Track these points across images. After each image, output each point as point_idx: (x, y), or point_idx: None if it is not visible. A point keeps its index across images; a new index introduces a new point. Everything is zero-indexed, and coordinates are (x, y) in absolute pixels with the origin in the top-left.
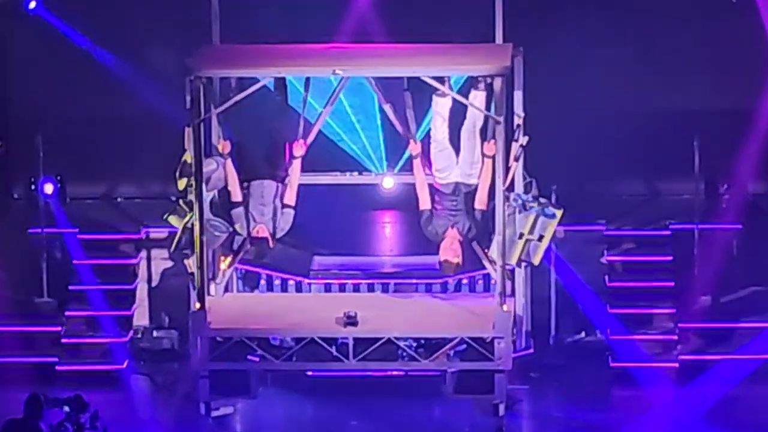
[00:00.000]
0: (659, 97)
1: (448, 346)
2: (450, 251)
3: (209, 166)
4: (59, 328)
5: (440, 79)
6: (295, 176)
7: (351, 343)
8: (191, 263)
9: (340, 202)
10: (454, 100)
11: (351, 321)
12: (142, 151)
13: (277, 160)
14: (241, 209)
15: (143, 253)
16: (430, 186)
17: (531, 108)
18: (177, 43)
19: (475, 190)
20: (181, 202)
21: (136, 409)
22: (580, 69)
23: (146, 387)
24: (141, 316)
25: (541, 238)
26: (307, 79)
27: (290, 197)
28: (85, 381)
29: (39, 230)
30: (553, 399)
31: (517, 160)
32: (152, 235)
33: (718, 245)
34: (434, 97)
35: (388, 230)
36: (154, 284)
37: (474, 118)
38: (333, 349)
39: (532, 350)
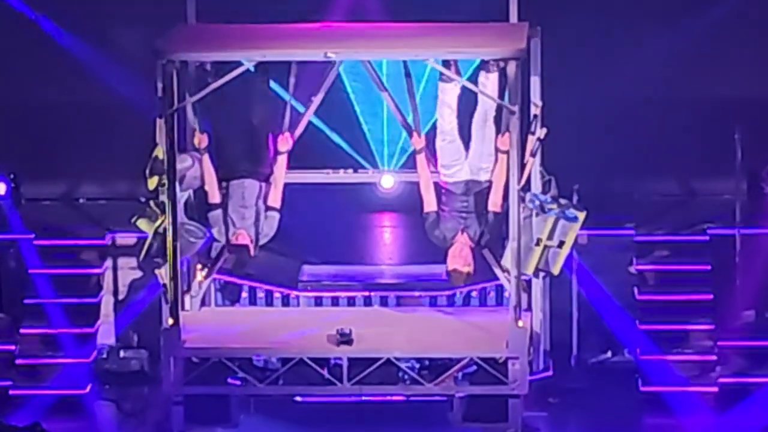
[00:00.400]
0: (695, 84)
1: (455, 368)
2: (460, 259)
3: (183, 162)
4: (13, 348)
5: (446, 63)
6: (281, 174)
7: (345, 364)
8: (163, 273)
9: (332, 204)
10: (463, 87)
11: (345, 339)
12: (107, 146)
13: (259, 155)
14: (219, 212)
15: (108, 262)
16: (437, 185)
17: (550, 96)
18: (147, 21)
19: (487, 189)
20: (151, 203)
21: None
22: (605, 52)
23: (112, 414)
24: (106, 334)
25: (561, 244)
26: (294, 63)
27: (275, 198)
28: (43, 407)
29: None
30: (574, 428)
31: (533, 155)
32: (119, 242)
33: (762, 252)
34: (440, 83)
35: (387, 235)
36: (120, 297)
37: (486, 105)
38: (325, 371)
39: (550, 372)
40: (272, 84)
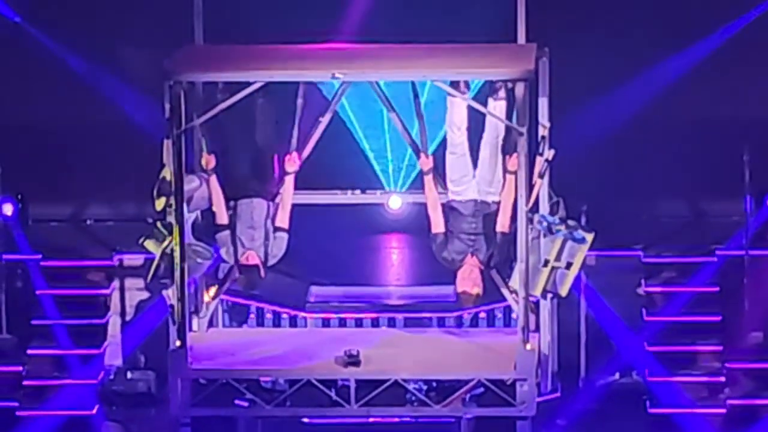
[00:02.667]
0: (703, 105)
1: (463, 390)
2: (469, 281)
3: (191, 183)
4: (20, 369)
5: (454, 84)
6: (289, 195)
7: (353, 385)
8: (171, 294)
9: (340, 225)
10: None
11: (353, 360)
12: (114, 167)
13: (267, 176)
14: (227, 233)
15: (116, 283)
16: (444, 206)
17: (558, 117)
18: (154, 41)
19: (496, 210)
20: (159, 224)
21: None
22: (613, 73)
23: None
24: (113, 355)
25: (569, 265)
26: (303, 83)
27: (283, 219)
28: (51, 429)
29: None
30: None
31: (542, 176)
32: (126, 263)
33: None
34: (449, 97)
35: (395, 257)
36: (128, 318)
37: (496, 131)
38: (332, 393)
39: (558, 394)
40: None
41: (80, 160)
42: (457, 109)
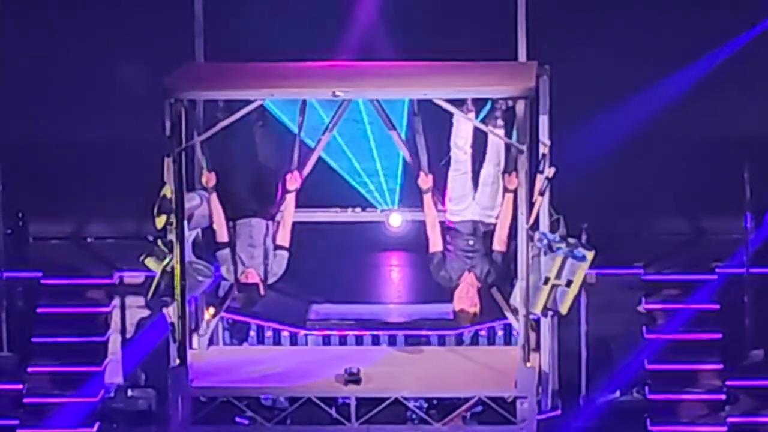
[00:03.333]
0: (703, 122)
1: (463, 407)
2: (466, 300)
3: (192, 201)
4: (21, 386)
5: (455, 102)
6: (289, 213)
7: (353, 403)
8: (171, 312)
9: (340, 243)
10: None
11: (353, 378)
12: (115, 185)
13: (266, 194)
14: (227, 251)
15: (116, 301)
16: (443, 224)
17: (558, 135)
18: (155, 59)
19: (493, 229)
20: (159, 242)
21: None
22: (613, 91)
23: None
24: (113, 373)
25: (569, 283)
26: (303, 101)
27: (283, 237)
28: None
29: None
30: None
31: (542, 194)
32: (126, 280)
33: None
34: (454, 116)
35: (395, 274)
36: (128, 336)
37: (497, 158)
38: (333, 411)
39: (559, 411)
40: (280, 121)
41: (81, 177)
42: (463, 127)
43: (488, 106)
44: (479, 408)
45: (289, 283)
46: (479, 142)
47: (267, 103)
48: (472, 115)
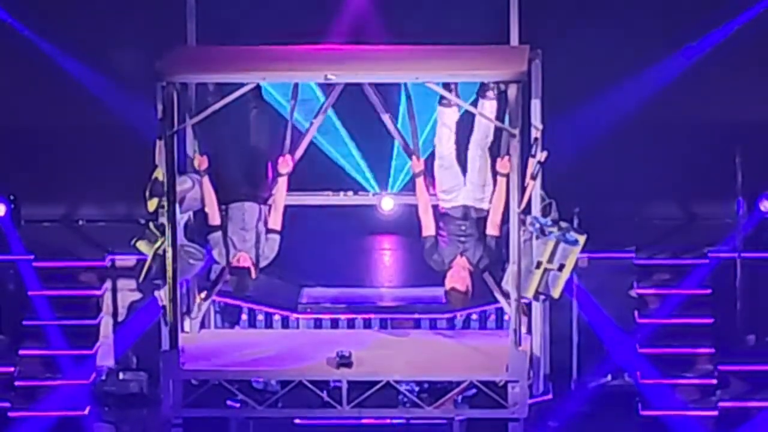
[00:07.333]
0: (696, 107)
1: (455, 391)
2: (458, 279)
3: (183, 184)
4: (12, 369)
5: (447, 86)
6: (281, 197)
7: (345, 386)
8: (163, 295)
9: (332, 226)
10: (463, 111)
11: (344, 362)
12: (106, 168)
13: (259, 177)
14: (219, 234)
15: (108, 284)
16: (435, 209)
17: (550, 119)
18: (146, 42)
19: (486, 213)
20: (151, 225)
21: None
22: (606, 75)
23: None
24: (105, 356)
25: (561, 267)
26: (295, 84)
27: (275, 221)
28: (42, 429)
29: None
30: None
31: (534, 178)
32: (118, 263)
33: (763, 276)
34: (439, 107)
35: (387, 258)
36: (120, 319)
37: (485, 132)
38: (324, 394)
39: (550, 396)
40: (274, 103)
41: (72, 160)
42: (446, 119)
43: (473, 97)
44: (471, 392)
45: (280, 267)
46: (465, 128)
47: (263, 86)
48: (454, 109)
